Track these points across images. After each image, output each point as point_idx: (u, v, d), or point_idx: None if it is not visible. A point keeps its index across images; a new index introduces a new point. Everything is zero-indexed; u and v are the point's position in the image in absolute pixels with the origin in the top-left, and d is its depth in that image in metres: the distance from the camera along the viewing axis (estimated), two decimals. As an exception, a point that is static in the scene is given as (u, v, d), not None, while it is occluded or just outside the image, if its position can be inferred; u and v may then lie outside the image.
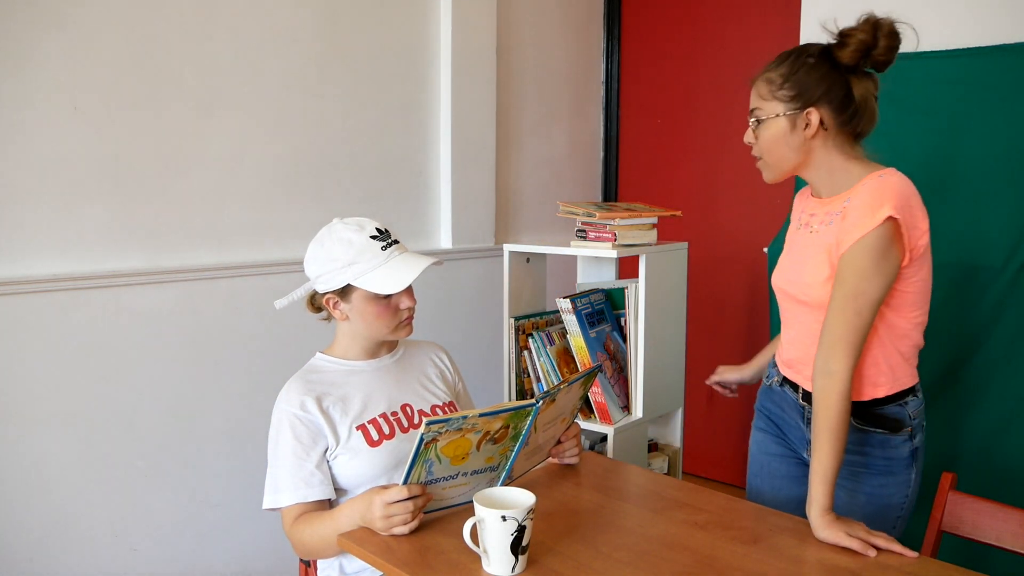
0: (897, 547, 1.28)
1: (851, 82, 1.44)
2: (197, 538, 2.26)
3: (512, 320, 2.36)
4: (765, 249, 2.80)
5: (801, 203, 1.63)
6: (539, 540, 1.29)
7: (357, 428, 1.50)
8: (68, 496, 2.02)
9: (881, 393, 1.47)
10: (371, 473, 1.49)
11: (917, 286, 1.43)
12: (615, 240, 2.20)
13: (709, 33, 3.25)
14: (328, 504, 1.48)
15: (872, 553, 1.27)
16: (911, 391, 1.50)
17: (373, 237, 1.50)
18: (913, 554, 1.27)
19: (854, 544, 1.28)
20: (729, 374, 1.94)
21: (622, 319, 2.35)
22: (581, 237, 2.29)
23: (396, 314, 1.54)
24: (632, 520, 1.41)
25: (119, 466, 2.10)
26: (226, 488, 2.31)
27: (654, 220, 2.31)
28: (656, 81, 3.45)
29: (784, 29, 2.88)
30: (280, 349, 2.38)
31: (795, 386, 1.60)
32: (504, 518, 1.17)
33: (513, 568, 1.19)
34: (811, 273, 1.48)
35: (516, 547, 1.18)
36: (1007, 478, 2.21)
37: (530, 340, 2.33)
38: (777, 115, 1.46)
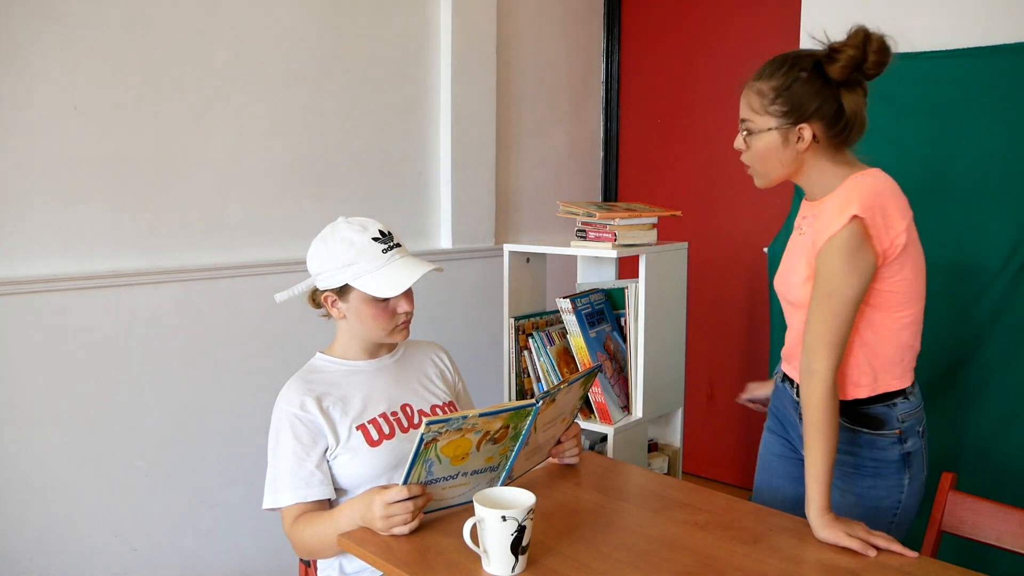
0: (897, 547, 1.28)
1: (842, 95, 1.44)
2: (197, 538, 2.26)
3: (512, 320, 2.36)
4: (765, 249, 2.80)
5: (802, 207, 1.64)
6: (539, 540, 1.29)
7: (357, 428, 1.50)
8: (68, 496, 2.02)
9: (863, 394, 1.47)
10: (371, 473, 1.49)
11: (899, 286, 1.43)
12: (615, 240, 2.20)
13: (709, 33, 3.25)
14: (328, 504, 1.48)
15: (872, 553, 1.27)
16: (900, 393, 1.48)
17: (375, 239, 1.50)
18: (913, 554, 1.27)
19: (854, 544, 1.28)
20: (759, 390, 1.93)
21: (622, 319, 2.35)
22: (581, 237, 2.29)
23: (393, 317, 1.54)
24: (632, 520, 1.41)
25: (119, 466, 2.10)
26: (226, 488, 2.31)
27: (654, 220, 2.31)
28: (656, 81, 3.45)
29: (784, 29, 2.89)
30: (280, 349, 2.38)
31: (792, 382, 1.60)
32: (504, 518, 1.17)
33: (513, 568, 1.19)
34: (795, 273, 1.50)
35: (516, 547, 1.18)
36: (1007, 478, 2.21)
37: (530, 340, 2.33)
38: (769, 129, 1.46)
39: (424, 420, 1.24)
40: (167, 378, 2.18)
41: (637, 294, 2.25)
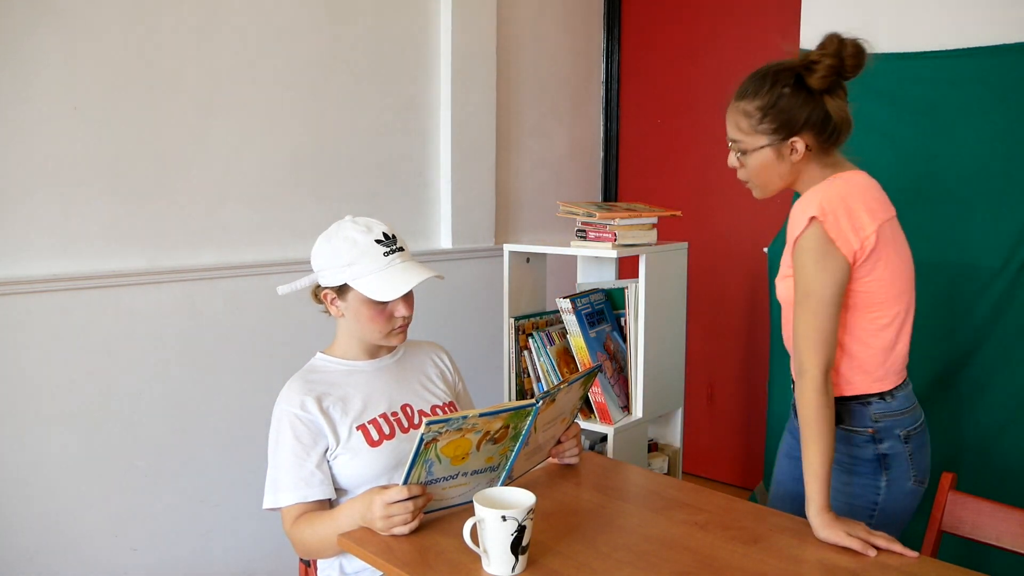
0: (897, 547, 1.28)
1: (826, 102, 1.46)
2: (197, 538, 2.26)
3: (512, 320, 2.36)
4: (765, 249, 2.80)
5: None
6: (539, 540, 1.29)
7: (357, 428, 1.50)
8: (68, 496, 2.02)
9: (835, 393, 1.48)
10: (371, 473, 1.49)
11: (872, 286, 1.44)
12: (615, 240, 2.21)
13: (709, 33, 3.25)
14: (328, 504, 1.48)
15: (872, 553, 1.27)
16: (878, 395, 1.49)
17: (378, 241, 1.50)
18: (913, 554, 1.27)
19: (854, 544, 1.28)
20: None
21: (622, 319, 2.35)
22: (581, 237, 2.29)
23: (390, 321, 1.54)
24: (632, 520, 1.41)
25: (119, 466, 2.10)
26: (226, 488, 2.31)
27: (654, 220, 2.31)
28: (656, 81, 3.45)
29: (784, 29, 2.88)
30: (280, 349, 2.38)
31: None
32: (504, 518, 1.17)
33: (513, 568, 1.20)
34: (781, 271, 1.54)
35: (516, 547, 1.18)
36: (1007, 478, 2.21)
37: (530, 340, 2.33)
38: (762, 147, 1.49)
39: (424, 420, 1.24)
40: (167, 378, 2.18)
41: (637, 294, 2.25)
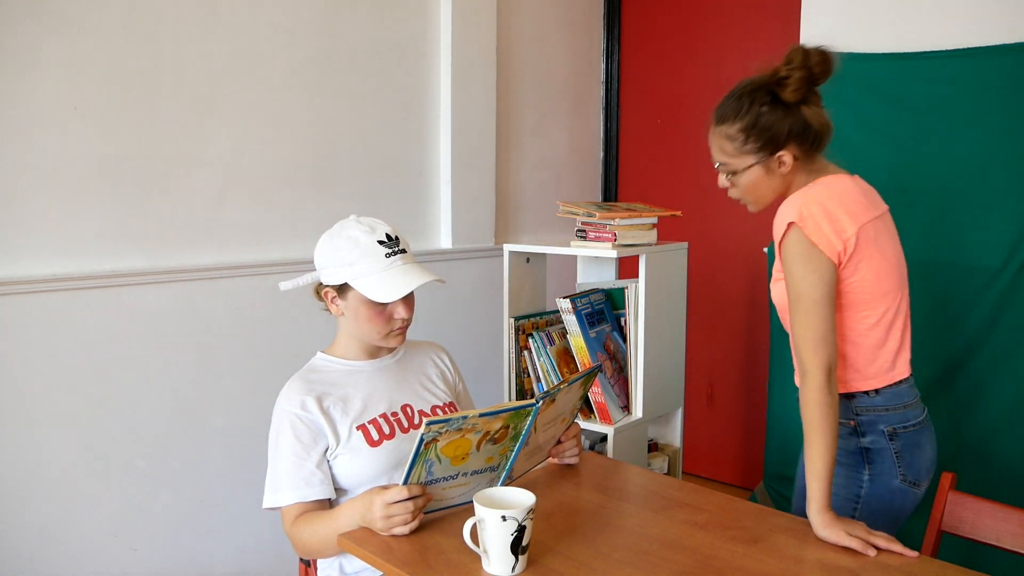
0: (897, 547, 1.28)
1: (803, 112, 1.49)
2: (197, 538, 2.26)
3: (512, 320, 2.36)
4: (765, 249, 2.80)
5: None
6: (539, 540, 1.29)
7: (357, 428, 1.50)
8: (68, 496, 2.02)
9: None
10: (371, 473, 1.49)
11: (857, 287, 1.46)
12: (615, 240, 2.21)
13: (709, 33, 3.25)
14: (328, 504, 1.48)
15: (872, 553, 1.27)
16: (863, 391, 1.51)
17: (380, 242, 1.50)
18: (914, 554, 1.27)
19: (854, 543, 1.28)
20: None
21: (622, 319, 2.35)
22: (581, 237, 2.29)
23: (389, 322, 1.54)
24: (632, 520, 1.41)
25: (119, 466, 2.10)
26: (226, 488, 2.31)
27: (654, 220, 2.31)
28: (656, 81, 3.45)
29: (784, 28, 2.89)
30: (280, 349, 2.38)
31: None
32: (504, 518, 1.17)
33: (513, 568, 1.20)
34: (773, 277, 1.57)
35: (516, 547, 1.19)
36: (1007, 478, 2.21)
37: (530, 340, 2.33)
38: (750, 166, 1.52)
39: (424, 420, 1.24)
40: (167, 378, 2.18)
41: (637, 294, 2.25)
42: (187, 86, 2.18)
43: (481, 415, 1.25)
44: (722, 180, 1.59)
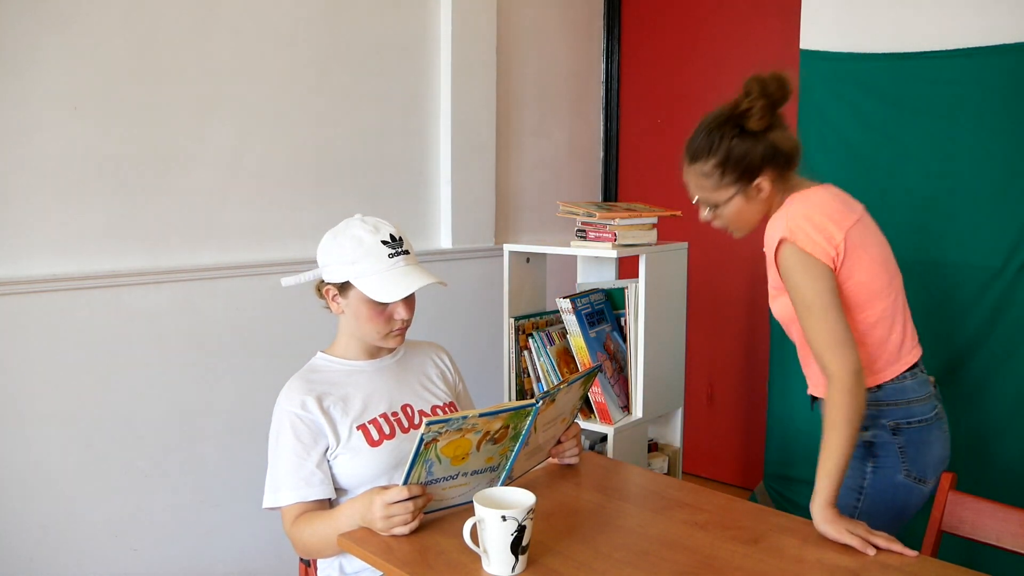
0: (897, 546, 1.28)
1: (771, 137, 1.53)
2: (197, 538, 2.26)
3: (512, 320, 2.36)
4: (765, 249, 2.80)
5: None
6: (539, 540, 1.29)
7: (357, 428, 1.50)
8: (68, 496, 2.02)
9: (821, 392, 1.54)
10: (371, 473, 1.49)
11: (853, 289, 1.50)
12: (615, 240, 2.21)
13: (709, 33, 3.25)
14: (328, 504, 1.48)
15: (871, 552, 1.27)
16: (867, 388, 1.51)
17: (384, 242, 1.50)
18: (913, 553, 1.27)
19: (854, 541, 1.29)
20: None
21: (622, 319, 2.35)
22: (581, 237, 2.29)
23: (389, 322, 1.54)
24: (632, 520, 1.41)
25: (119, 466, 2.10)
26: (226, 488, 2.31)
27: (654, 220, 2.31)
28: (656, 81, 3.45)
29: (784, 28, 2.89)
30: (280, 349, 2.38)
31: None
32: (504, 518, 1.17)
33: (513, 568, 1.20)
34: (770, 293, 1.62)
35: (516, 547, 1.19)
36: (1007, 478, 2.21)
37: (530, 340, 2.33)
38: (731, 197, 1.56)
39: (424, 420, 1.24)
40: (167, 378, 2.18)
41: (637, 294, 2.25)
42: (187, 85, 2.18)
43: (481, 415, 1.25)
44: (705, 214, 1.63)
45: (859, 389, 1.41)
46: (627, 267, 2.74)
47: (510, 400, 2.35)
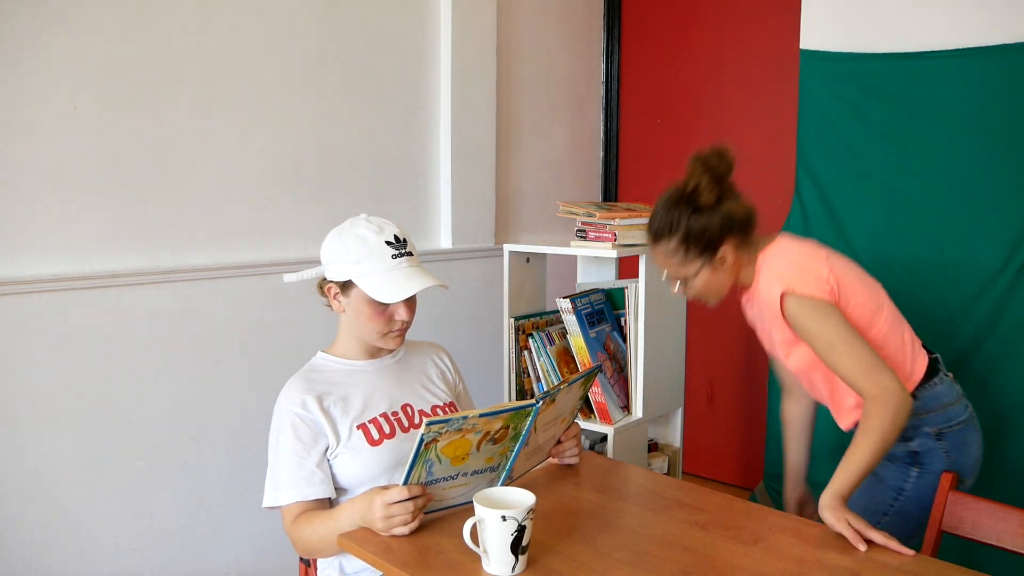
0: (894, 544, 1.28)
1: (725, 207, 1.60)
2: (197, 538, 2.26)
3: (512, 320, 2.36)
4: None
5: (742, 294, 1.80)
6: (539, 540, 1.29)
7: (358, 427, 1.51)
8: (68, 496, 2.02)
9: (849, 425, 1.61)
10: (371, 472, 1.49)
11: (855, 312, 1.57)
12: (615, 240, 2.21)
13: (709, 33, 3.25)
14: (328, 503, 1.48)
15: (863, 547, 1.28)
16: None
17: (388, 243, 1.50)
18: (910, 552, 1.27)
19: (847, 532, 1.30)
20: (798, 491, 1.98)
21: (622, 319, 2.35)
22: (581, 237, 2.29)
23: (389, 323, 1.54)
24: (632, 520, 1.41)
25: (119, 466, 2.10)
26: (226, 488, 2.31)
27: (654, 220, 2.31)
28: (656, 81, 3.45)
29: (784, 28, 2.88)
30: (280, 349, 2.38)
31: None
32: (504, 518, 1.17)
33: (513, 568, 1.20)
34: (778, 345, 1.66)
35: (516, 547, 1.19)
36: (1007, 478, 2.21)
37: (530, 340, 2.33)
38: (699, 270, 1.64)
39: (424, 420, 1.24)
40: (167, 378, 2.18)
41: (637, 294, 2.25)
42: (187, 86, 2.18)
43: (481, 415, 1.25)
44: (676, 288, 1.70)
45: (901, 406, 1.44)
46: (627, 267, 2.74)
47: (510, 400, 2.35)
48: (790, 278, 1.54)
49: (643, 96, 3.51)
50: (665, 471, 2.49)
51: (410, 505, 1.28)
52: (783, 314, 1.55)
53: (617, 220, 2.21)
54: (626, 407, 2.32)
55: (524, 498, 1.24)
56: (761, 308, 1.62)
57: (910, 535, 1.57)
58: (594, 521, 1.39)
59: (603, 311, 2.32)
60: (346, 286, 1.52)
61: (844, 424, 1.67)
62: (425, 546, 1.29)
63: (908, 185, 2.42)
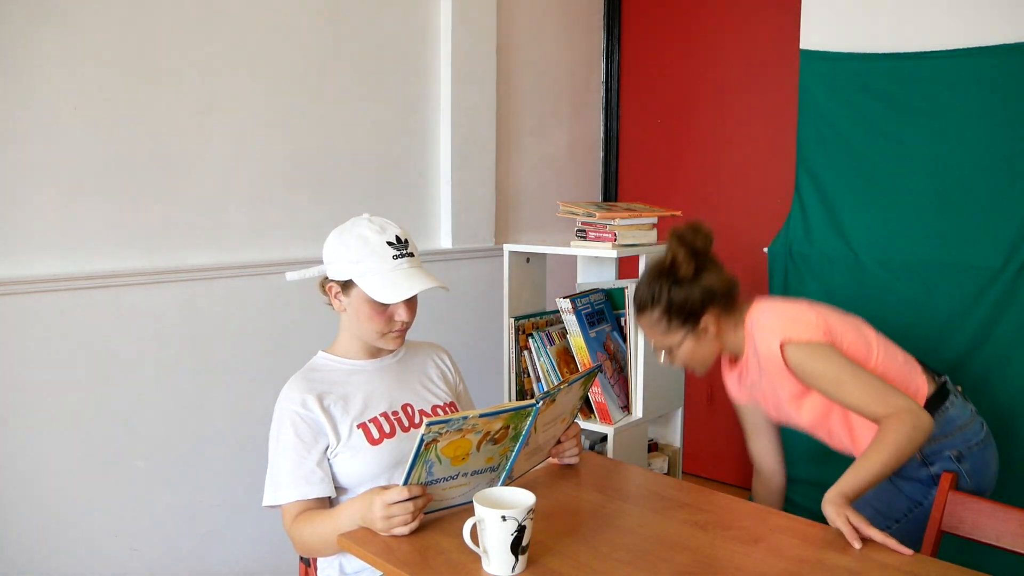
0: (892, 543, 1.29)
1: (705, 279, 1.65)
2: (197, 538, 2.26)
3: (512, 320, 2.36)
4: (765, 249, 2.80)
5: (727, 367, 1.84)
6: (539, 540, 1.29)
7: (358, 426, 1.51)
8: (68, 496, 2.02)
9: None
10: (372, 471, 1.49)
11: (851, 349, 1.60)
12: (615, 240, 2.21)
13: (709, 33, 3.25)
14: (328, 502, 1.48)
15: (857, 544, 1.29)
16: None
17: (390, 243, 1.50)
18: (908, 552, 1.27)
19: (845, 528, 1.31)
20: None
21: (622, 319, 2.35)
22: (581, 237, 2.29)
23: (389, 323, 1.54)
24: (632, 520, 1.41)
25: (119, 466, 2.10)
26: (226, 488, 2.31)
27: (654, 220, 2.31)
28: (656, 81, 3.45)
29: (784, 28, 2.88)
30: (280, 349, 2.38)
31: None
32: (504, 518, 1.17)
33: (513, 568, 1.20)
34: (786, 404, 1.69)
35: (516, 547, 1.19)
36: (1007, 478, 2.21)
37: (530, 340, 2.33)
38: (683, 340, 1.70)
39: (424, 420, 1.24)
40: (167, 378, 2.18)
41: (637, 294, 2.25)
42: (187, 85, 2.18)
43: (481, 415, 1.25)
44: (662, 358, 1.74)
45: (919, 423, 1.45)
46: (627, 267, 2.74)
47: (510, 400, 2.35)
48: (784, 328, 1.58)
49: (643, 96, 3.51)
50: (665, 471, 2.49)
51: (410, 505, 1.28)
52: (786, 364, 1.57)
53: (617, 220, 2.21)
54: (626, 407, 2.32)
55: (524, 498, 1.24)
56: (763, 367, 1.64)
57: (915, 542, 1.57)
58: (594, 521, 1.39)
59: (603, 311, 2.32)
60: (347, 285, 1.52)
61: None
62: (425, 546, 1.29)
63: (908, 185, 2.42)
